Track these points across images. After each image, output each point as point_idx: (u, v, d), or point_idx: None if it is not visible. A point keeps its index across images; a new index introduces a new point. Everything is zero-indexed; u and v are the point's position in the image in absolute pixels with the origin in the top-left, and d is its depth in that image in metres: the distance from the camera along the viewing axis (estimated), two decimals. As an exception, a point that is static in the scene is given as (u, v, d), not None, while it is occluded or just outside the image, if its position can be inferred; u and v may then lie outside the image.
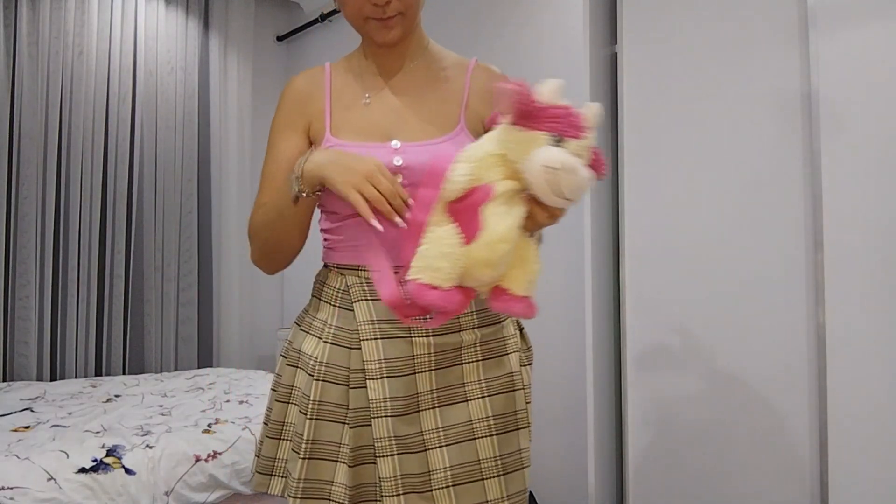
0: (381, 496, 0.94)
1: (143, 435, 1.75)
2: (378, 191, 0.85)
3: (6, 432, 1.82)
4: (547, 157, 0.73)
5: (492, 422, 0.98)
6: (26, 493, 1.43)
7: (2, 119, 2.77)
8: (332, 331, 1.00)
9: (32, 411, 2.11)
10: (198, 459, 1.68)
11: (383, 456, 0.94)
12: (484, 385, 0.99)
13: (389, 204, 0.84)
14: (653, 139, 1.89)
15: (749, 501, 1.66)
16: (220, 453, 1.72)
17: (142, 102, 3.16)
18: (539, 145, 0.74)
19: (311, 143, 1.05)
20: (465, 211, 0.77)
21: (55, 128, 2.88)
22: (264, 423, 1.07)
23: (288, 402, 1.03)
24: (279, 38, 3.82)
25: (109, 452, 1.61)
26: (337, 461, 0.97)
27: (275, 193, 1.00)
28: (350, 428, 0.96)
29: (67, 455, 1.56)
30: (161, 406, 2.22)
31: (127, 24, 3.13)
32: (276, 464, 1.04)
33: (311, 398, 0.98)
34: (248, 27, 3.58)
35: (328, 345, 0.99)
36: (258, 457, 1.05)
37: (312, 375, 0.99)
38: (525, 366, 1.06)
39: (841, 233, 1.53)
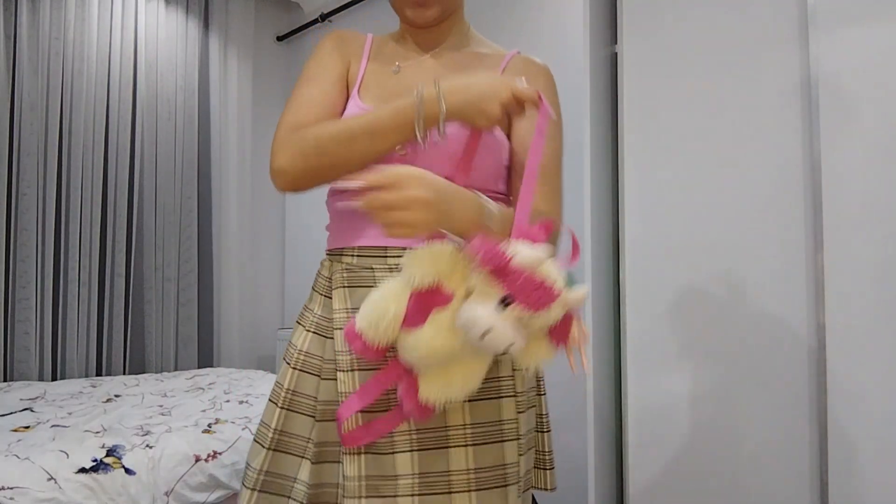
0: (344, 496, 0.85)
1: (143, 435, 1.75)
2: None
3: (6, 432, 1.82)
4: (465, 317, 0.73)
5: (468, 430, 0.86)
6: (26, 493, 1.43)
7: (2, 119, 2.77)
8: (315, 319, 0.96)
9: (32, 411, 2.11)
10: (198, 459, 1.68)
11: (349, 454, 0.85)
12: None
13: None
14: (653, 139, 1.89)
15: (749, 501, 1.66)
16: (220, 453, 1.72)
17: (142, 102, 3.16)
18: (484, 298, 0.73)
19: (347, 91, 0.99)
20: (420, 303, 0.76)
21: (55, 127, 2.88)
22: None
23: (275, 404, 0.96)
24: (279, 38, 3.83)
25: (109, 452, 1.61)
26: (303, 457, 0.90)
27: (362, 119, 0.88)
28: (317, 422, 0.90)
29: (67, 455, 1.56)
30: (161, 406, 2.22)
31: (127, 24, 3.13)
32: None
33: (285, 387, 0.93)
34: (248, 27, 3.59)
35: (310, 334, 0.95)
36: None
37: (291, 364, 0.95)
38: (518, 369, 0.96)
39: (841, 233, 1.53)
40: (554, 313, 0.74)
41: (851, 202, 1.52)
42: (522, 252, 0.73)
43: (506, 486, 0.87)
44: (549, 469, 1.01)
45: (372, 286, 0.87)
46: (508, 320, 0.72)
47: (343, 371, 0.88)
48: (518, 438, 0.90)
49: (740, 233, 1.71)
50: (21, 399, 2.32)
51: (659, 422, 1.85)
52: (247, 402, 2.24)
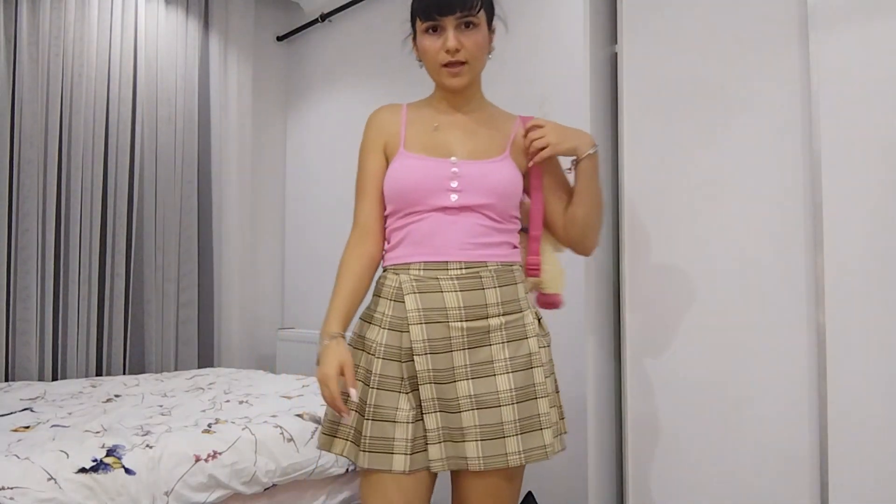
0: (427, 444, 1.22)
1: (143, 435, 1.75)
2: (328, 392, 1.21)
3: (6, 432, 1.82)
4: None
5: (514, 393, 1.23)
6: (26, 493, 1.43)
7: (2, 119, 2.77)
8: (388, 319, 1.28)
9: (32, 411, 2.11)
10: (198, 459, 1.68)
11: (428, 413, 1.22)
12: (508, 363, 1.25)
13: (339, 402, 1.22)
14: (652, 139, 1.89)
15: (749, 501, 1.66)
16: (220, 453, 1.72)
17: (142, 102, 3.16)
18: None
19: (387, 158, 1.35)
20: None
21: (56, 128, 2.88)
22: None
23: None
24: (279, 38, 3.83)
25: (109, 452, 1.61)
26: (395, 422, 1.23)
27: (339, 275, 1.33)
28: (404, 394, 1.24)
29: (67, 455, 1.56)
30: (161, 406, 2.22)
31: (127, 24, 3.13)
32: (339, 427, 1.29)
33: (374, 372, 1.25)
34: (248, 27, 3.59)
35: (385, 330, 1.27)
36: (324, 422, 1.33)
37: (374, 355, 1.26)
38: (543, 347, 1.32)
39: (841, 233, 1.53)
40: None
41: (851, 202, 1.52)
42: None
43: (536, 398, 1.26)
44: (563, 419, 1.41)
45: (437, 292, 1.25)
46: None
47: (418, 355, 1.23)
48: (543, 365, 1.29)
49: (740, 232, 1.71)
50: (21, 399, 2.32)
51: (659, 422, 1.85)
52: (247, 402, 2.24)
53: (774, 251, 1.65)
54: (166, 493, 1.61)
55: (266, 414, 2.00)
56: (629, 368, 1.92)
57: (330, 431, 1.31)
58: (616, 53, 2.01)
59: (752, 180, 1.69)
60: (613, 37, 2.05)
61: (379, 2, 3.24)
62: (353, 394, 1.21)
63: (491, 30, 1.35)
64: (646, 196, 1.90)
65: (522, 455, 1.21)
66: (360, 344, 1.31)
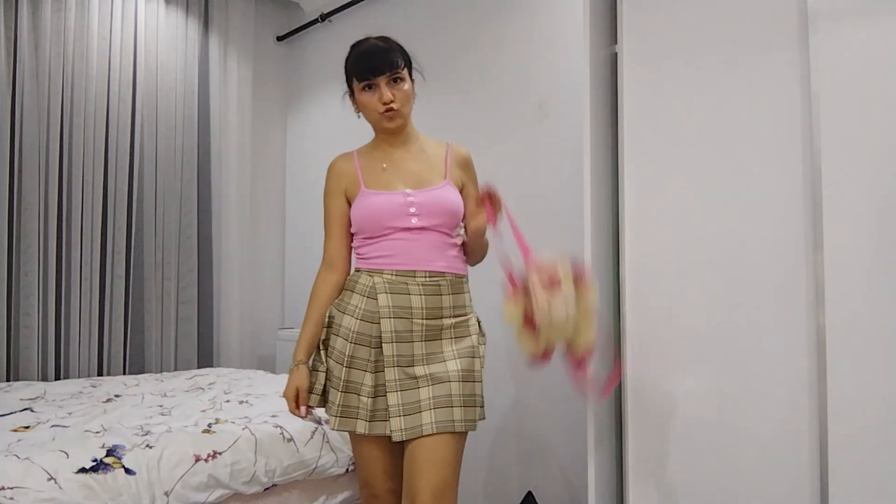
0: (389, 417, 1.49)
1: (143, 435, 1.75)
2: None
3: (6, 432, 1.82)
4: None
5: (460, 374, 1.54)
6: (26, 493, 1.43)
7: (3, 120, 2.77)
8: (361, 311, 1.54)
9: (32, 411, 2.11)
10: (198, 459, 1.68)
11: (391, 392, 1.50)
12: (455, 352, 1.57)
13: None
14: (653, 139, 1.89)
15: (748, 501, 1.66)
16: (220, 453, 1.72)
17: (142, 102, 3.16)
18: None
19: (348, 199, 1.63)
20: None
21: (56, 128, 2.88)
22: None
23: (332, 360, 1.57)
24: (279, 38, 3.83)
25: (109, 452, 1.61)
26: (360, 395, 1.53)
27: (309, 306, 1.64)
28: (369, 373, 1.53)
29: (67, 455, 1.56)
30: (161, 406, 2.22)
31: (127, 25, 3.13)
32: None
33: (347, 354, 1.54)
34: (248, 27, 3.59)
35: (359, 320, 1.54)
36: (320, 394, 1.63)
37: (348, 340, 1.54)
38: (482, 344, 1.64)
39: (841, 233, 1.53)
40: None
41: (851, 202, 1.52)
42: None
43: (474, 382, 1.58)
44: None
45: (406, 294, 1.54)
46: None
47: (387, 343, 1.52)
48: (481, 357, 1.62)
49: (740, 232, 1.71)
50: (21, 399, 2.32)
51: (659, 422, 1.85)
52: (247, 402, 2.24)
53: (774, 251, 1.65)
54: (166, 493, 1.61)
55: (266, 414, 2.00)
56: (629, 368, 1.92)
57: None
58: (616, 53, 2.01)
59: (752, 180, 1.69)
60: (613, 37, 2.05)
61: (379, 2, 3.24)
62: (303, 411, 1.56)
63: (412, 80, 1.65)
64: (646, 196, 1.90)
65: (463, 423, 1.53)
66: (336, 330, 1.58)
